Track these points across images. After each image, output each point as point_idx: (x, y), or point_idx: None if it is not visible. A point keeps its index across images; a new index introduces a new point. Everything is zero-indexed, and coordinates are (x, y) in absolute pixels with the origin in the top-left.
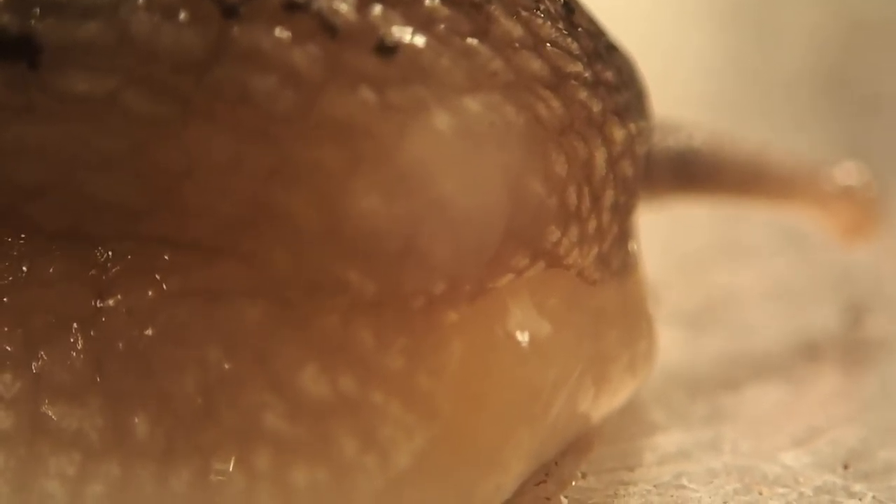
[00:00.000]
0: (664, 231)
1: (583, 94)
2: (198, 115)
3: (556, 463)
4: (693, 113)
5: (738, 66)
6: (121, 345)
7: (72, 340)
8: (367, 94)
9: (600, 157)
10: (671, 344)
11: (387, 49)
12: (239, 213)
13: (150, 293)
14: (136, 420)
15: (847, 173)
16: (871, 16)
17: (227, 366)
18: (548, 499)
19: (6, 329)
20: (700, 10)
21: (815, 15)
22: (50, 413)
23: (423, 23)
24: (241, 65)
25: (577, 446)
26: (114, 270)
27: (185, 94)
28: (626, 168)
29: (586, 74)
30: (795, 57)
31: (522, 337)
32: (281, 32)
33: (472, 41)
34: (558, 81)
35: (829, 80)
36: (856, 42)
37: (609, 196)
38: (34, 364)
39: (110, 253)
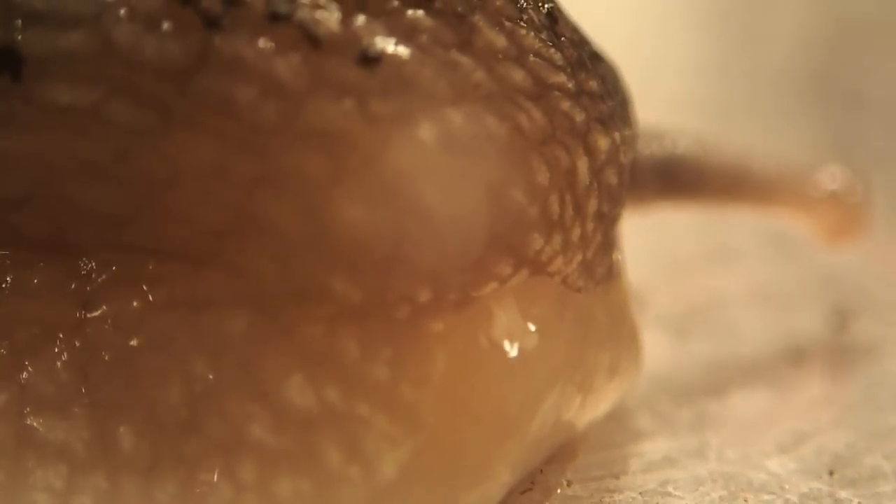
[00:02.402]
0: (650, 236)
1: (565, 105)
2: (181, 124)
3: (541, 471)
4: (680, 113)
5: (724, 66)
6: (106, 356)
7: (57, 352)
8: (350, 104)
9: (583, 165)
10: (657, 349)
11: (370, 60)
12: (223, 222)
13: (134, 303)
14: (122, 432)
15: (831, 177)
16: (856, 16)
17: (212, 376)
18: None
19: None
20: (686, 11)
21: (801, 15)
22: (36, 425)
23: (406, 34)
24: (223, 74)
25: (562, 454)
26: (98, 281)
27: (169, 104)
28: (611, 176)
29: (569, 84)
30: (781, 57)
31: (507, 346)
32: (264, 43)
33: (455, 52)
34: (541, 92)
35: (815, 80)
36: (841, 42)
37: (593, 204)
38: (19, 376)
39: (94, 264)
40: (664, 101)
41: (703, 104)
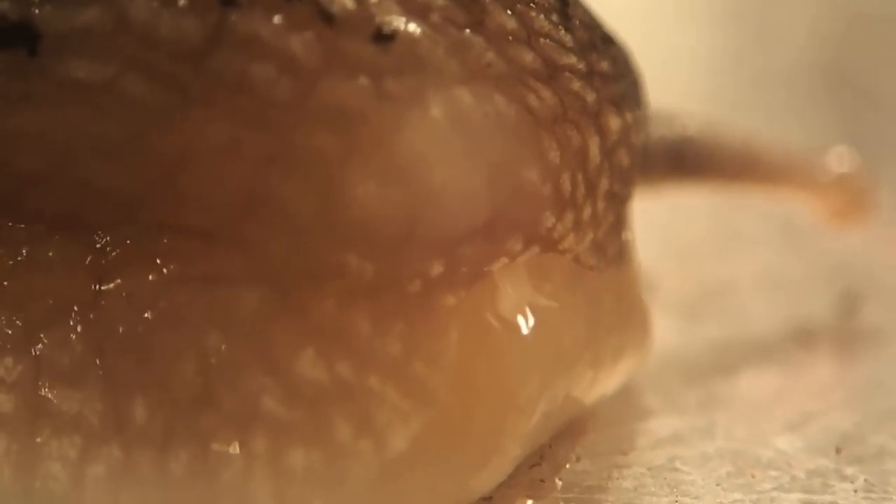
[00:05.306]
0: (661, 220)
1: (576, 85)
2: (196, 101)
3: (550, 446)
4: (693, 106)
5: (738, 60)
6: (120, 329)
7: (72, 325)
8: (363, 81)
9: (594, 145)
10: (667, 331)
11: (384, 37)
12: (236, 199)
13: (149, 278)
14: (136, 404)
15: (838, 160)
16: (869, 11)
17: (225, 350)
18: (542, 481)
19: (7, 314)
20: (700, 5)
21: (814, 9)
22: (50, 397)
23: (419, 13)
24: (239, 52)
25: (571, 430)
26: (113, 255)
27: (184, 81)
28: (623, 157)
29: (580, 66)
30: (795, 51)
31: (519, 320)
32: (279, 20)
33: (467, 32)
34: (551, 73)
35: (828, 74)
36: (854, 37)
37: (604, 184)
38: (34, 348)
39: (110, 238)
40: (678, 92)
41: (716, 96)
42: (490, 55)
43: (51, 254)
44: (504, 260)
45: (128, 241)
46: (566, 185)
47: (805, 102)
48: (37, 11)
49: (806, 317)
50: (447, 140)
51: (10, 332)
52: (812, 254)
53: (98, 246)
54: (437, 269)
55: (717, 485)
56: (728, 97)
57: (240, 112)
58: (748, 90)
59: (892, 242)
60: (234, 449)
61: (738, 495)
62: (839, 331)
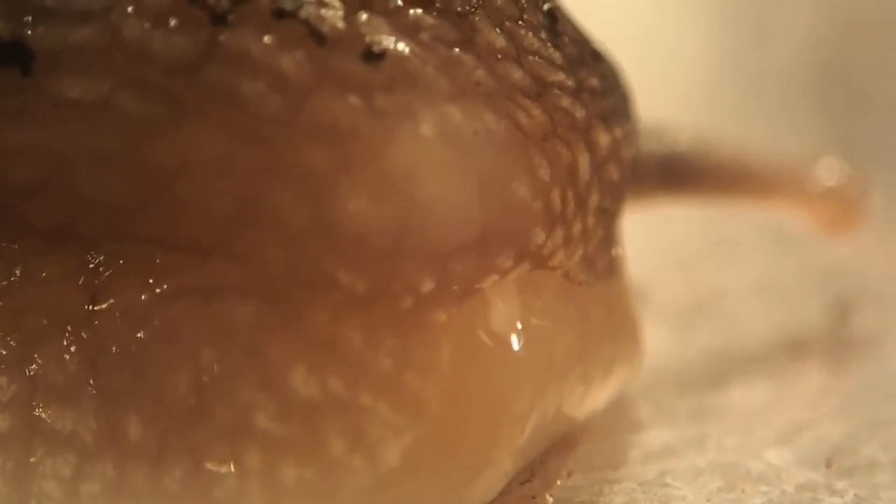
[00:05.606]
0: (653, 230)
1: (565, 102)
2: (189, 114)
3: (541, 461)
4: (689, 110)
5: (733, 64)
6: (114, 346)
7: (66, 343)
8: (354, 98)
9: (584, 161)
10: (659, 342)
11: (374, 56)
12: (230, 212)
13: (143, 295)
14: (130, 421)
15: (829, 171)
16: (864, 16)
17: (218, 365)
18: (533, 497)
19: (1, 333)
20: (697, 9)
21: (809, 14)
22: (45, 415)
23: (409, 31)
24: (230, 68)
25: (563, 444)
26: (107, 273)
27: (177, 95)
28: (612, 172)
29: (569, 82)
30: (790, 56)
31: (510, 337)
32: (269, 39)
33: (456, 50)
34: (540, 90)
35: (823, 79)
36: (849, 42)
37: (594, 199)
38: (29, 367)
39: (103, 257)
40: (674, 96)
41: (712, 98)
42: (479, 73)
43: (44, 273)
44: (494, 277)
45: (121, 259)
46: (556, 202)
47: (800, 105)
48: (30, 31)
49: (798, 325)
50: (438, 156)
51: (4, 351)
52: (804, 262)
53: (92, 263)
54: (428, 285)
55: (708, 500)
56: (724, 99)
57: (233, 125)
58: (743, 92)
59: (884, 250)
60: (228, 463)
61: None
62: (831, 339)
